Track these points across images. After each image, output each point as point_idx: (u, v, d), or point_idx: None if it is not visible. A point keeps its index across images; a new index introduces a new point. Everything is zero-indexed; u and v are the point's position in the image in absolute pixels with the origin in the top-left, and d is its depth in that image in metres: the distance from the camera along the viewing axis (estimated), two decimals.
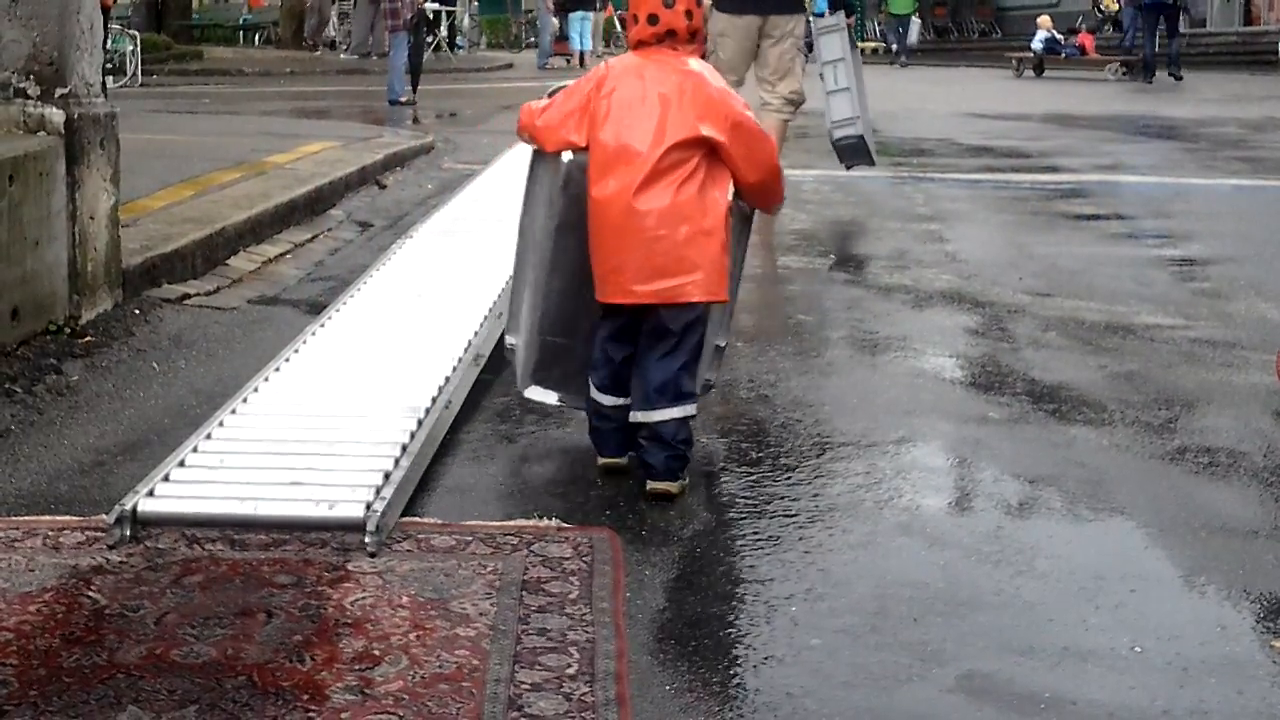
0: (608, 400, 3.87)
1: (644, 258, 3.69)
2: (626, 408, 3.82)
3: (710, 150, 3.73)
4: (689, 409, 3.77)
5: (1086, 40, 25.83)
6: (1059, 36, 25.00)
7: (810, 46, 9.12)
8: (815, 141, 11.00)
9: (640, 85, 3.77)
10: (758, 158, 3.82)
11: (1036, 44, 24.88)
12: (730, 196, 3.79)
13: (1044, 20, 25.43)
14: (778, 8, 8.39)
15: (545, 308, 4.02)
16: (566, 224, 3.88)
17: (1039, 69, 24.40)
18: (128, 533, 3.30)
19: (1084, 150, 12.26)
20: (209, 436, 3.83)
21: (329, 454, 3.70)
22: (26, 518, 3.49)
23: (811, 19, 8.80)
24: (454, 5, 29.19)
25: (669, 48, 3.82)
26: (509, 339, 4.13)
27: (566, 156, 3.84)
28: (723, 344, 4.13)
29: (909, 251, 7.46)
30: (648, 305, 3.73)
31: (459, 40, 29.46)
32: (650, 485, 3.74)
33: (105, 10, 13.87)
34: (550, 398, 4.18)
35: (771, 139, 4.06)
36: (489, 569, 3.18)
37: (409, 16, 16.37)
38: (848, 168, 9.23)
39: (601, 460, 3.94)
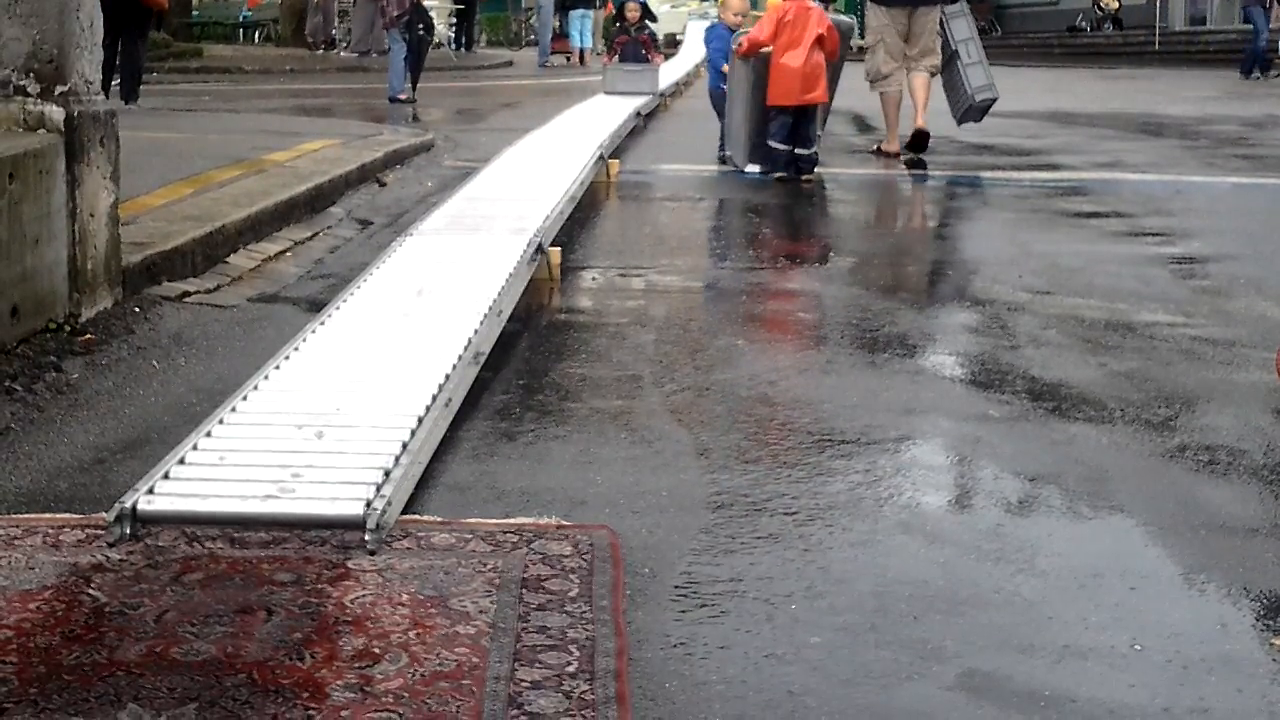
0: (784, 146, 9.64)
1: (799, 85, 9.58)
2: (793, 149, 9.60)
3: (821, 43, 9.64)
4: (817, 148, 9.86)
5: None
6: None
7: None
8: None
9: (794, 17, 9.62)
10: (835, 47, 9.88)
11: None
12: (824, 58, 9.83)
13: None
14: (921, 0, 11.00)
15: (751, 122, 9.89)
16: (756, 81, 9.84)
17: (1267, 69, 21.49)
18: (128, 530, 3.30)
19: (1084, 148, 12.25)
20: (209, 434, 3.82)
21: (329, 451, 3.70)
22: (26, 515, 3.49)
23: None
24: (469, 3, 29.12)
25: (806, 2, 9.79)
26: (727, 153, 10.33)
27: (765, 51, 9.77)
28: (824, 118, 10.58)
29: (909, 249, 7.47)
30: (802, 105, 9.64)
31: (463, 39, 29.43)
32: (803, 179, 9.59)
33: (157, 9, 13.91)
34: (757, 169, 9.88)
35: (836, 35, 9.89)
36: (489, 567, 3.18)
37: (395, 14, 16.37)
38: (959, 124, 11.77)
39: (776, 175, 9.65)
